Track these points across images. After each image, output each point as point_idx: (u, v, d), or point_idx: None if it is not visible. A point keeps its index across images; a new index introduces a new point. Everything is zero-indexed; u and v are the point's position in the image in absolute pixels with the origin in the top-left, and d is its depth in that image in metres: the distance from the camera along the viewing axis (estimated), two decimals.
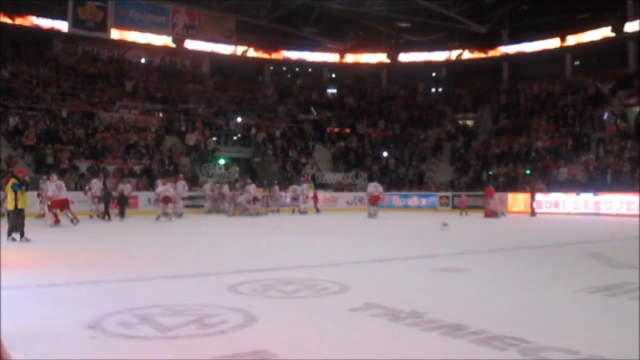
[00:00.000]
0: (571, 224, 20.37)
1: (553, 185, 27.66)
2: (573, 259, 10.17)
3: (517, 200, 27.11)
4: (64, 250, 11.36)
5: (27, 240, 12.36)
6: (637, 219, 19.67)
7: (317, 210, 27.10)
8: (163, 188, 22.23)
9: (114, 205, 21.83)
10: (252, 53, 40.27)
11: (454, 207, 28.68)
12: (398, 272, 8.95)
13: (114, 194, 21.86)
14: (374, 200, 23.69)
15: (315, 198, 27.86)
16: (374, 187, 24.13)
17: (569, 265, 9.47)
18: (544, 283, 7.72)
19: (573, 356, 4.24)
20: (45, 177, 20.96)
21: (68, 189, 23.70)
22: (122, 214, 21.53)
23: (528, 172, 29.00)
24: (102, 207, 21.65)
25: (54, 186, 18.04)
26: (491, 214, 23.63)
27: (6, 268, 7.72)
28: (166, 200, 21.80)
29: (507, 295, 6.94)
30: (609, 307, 6.16)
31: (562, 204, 26.11)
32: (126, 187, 22.61)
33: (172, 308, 5.82)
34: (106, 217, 20.90)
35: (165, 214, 21.32)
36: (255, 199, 24.95)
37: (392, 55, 42.04)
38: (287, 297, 6.51)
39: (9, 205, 12.82)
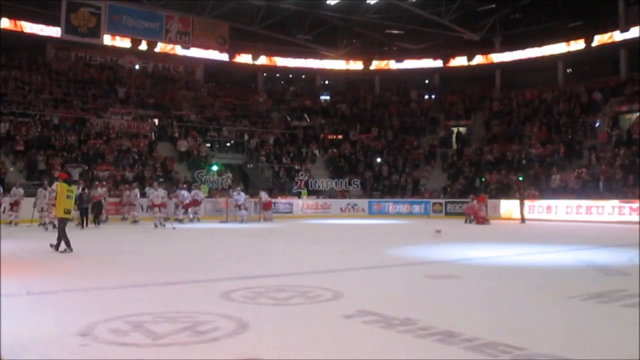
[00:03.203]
0: (563, 230, 20.41)
1: (546, 192, 27.75)
2: (565, 266, 10.19)
3: (508, 208, 27.20)
4: (54, 258, 11.28)
5: (51, 246, 11.79)
6: (633, 225, 19.76)
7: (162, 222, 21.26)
8: (193, 193, 24.26)
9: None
10: (245, 60, 40.25)
11: (447, 213, 28.77)
12: (391, 279, 8.95)
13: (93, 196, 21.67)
14: (267, 206, 26.51)
15: (161, 205, 21.58)
16: (266, 195, 26.80)
17: (562, 272, 9.48)
18: (537, 290, 7.73)
19: None
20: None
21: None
22: (96, 221, 21.23)
23: (520, 179, 29.11)
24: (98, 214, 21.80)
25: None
26: (482, 220, 23.85)
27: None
28: (194, 204, 24.04)
29: (500, 302, 6.94)
30: (601, 314, 6.18)
31: (554, 211, 26.21)
32: (133, 193, 23.27)
33: (164, 315, 5.79)
34: (83, 224, 20.09)
35: (195, 218, 23.73)
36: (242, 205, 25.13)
37: (385, 63, 42.14)
38: (279, 305, 6.49)
39: None
